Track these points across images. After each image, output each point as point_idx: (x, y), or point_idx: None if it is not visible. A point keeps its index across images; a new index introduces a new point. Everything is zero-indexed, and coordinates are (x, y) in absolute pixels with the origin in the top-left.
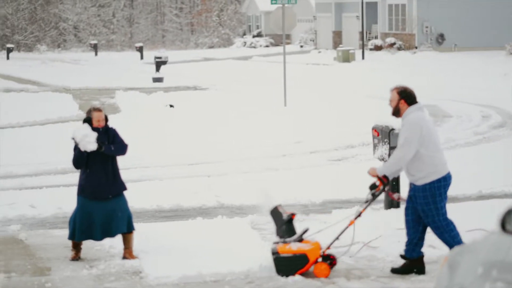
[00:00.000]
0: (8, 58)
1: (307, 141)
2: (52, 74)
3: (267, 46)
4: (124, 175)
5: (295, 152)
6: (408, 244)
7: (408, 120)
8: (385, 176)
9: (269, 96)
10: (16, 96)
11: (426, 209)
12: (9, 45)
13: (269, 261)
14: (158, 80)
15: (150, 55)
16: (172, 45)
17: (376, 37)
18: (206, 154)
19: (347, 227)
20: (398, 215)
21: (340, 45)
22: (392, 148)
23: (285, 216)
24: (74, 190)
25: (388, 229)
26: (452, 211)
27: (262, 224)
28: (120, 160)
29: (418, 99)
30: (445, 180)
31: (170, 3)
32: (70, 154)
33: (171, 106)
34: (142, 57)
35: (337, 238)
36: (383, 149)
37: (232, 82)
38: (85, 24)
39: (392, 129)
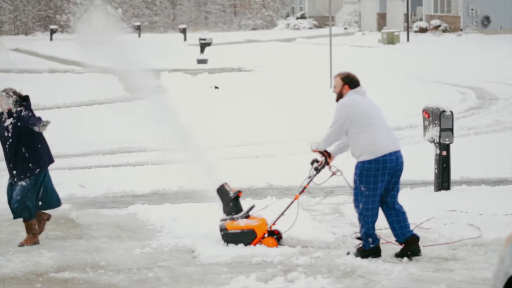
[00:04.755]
0: (51, 39)
1: None
2: (96, 55)
3: (310, 28)
4: (170, 155)
5: None
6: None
7: (339, 103)
8: (326, 151)
9: (314, 78)
10: (62, 77)
11: (354, 185)
12: (52, 26)
13: (322, 241)
14: (202, 61)
15: (193, 36)
16: (215, 26)
17: (421, 19)
18: (253, 135)
19: (292, 202)
20: (449, 197)
21: (385, 27)
22: (442, 130)
23: (231, 194)
24: (123, 170)
25: (440, 210)
26: (498, 194)
27: (312, 205)
28: (166, 140)
29: (361, 83)
30: (370, 163)
31: None
32: (117, 134)
33: (216, 87)
34: (185, 39)
35: (282, 214)
36: (434, 131)
37: (276, 64)
38: (128, 5)
39: (443, 111)
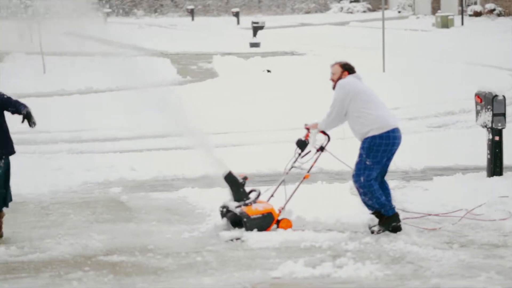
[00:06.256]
0: (105, 22)
1: (407, 108)
2: (149, 38)
3: (364, 11)
4: (222, 139)
5: None
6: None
7: (339, 83)
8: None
9: (367, 62)
10: (114, 61)
11: (358, 159)
12: (106, 10)
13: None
14: (255, 45)
15: (246, 20)
16: (268, 10)
17: (475, 3)
18: (305, 119)
19: (302, 181)
20: (501, 183)
21: (439, 11)
22: (495, 115)
23: (240, 180)
24: (174, 153)
25: (492, 196)
26: None
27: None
28: (218, 124)
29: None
30: (381, 139)
31: None
32: (168, 117)
33: (268, 71)
34: (238, 22)
35: (291, 196)
36: (486, 115)
37: (329, 47)
38: None
39: (496, 96)
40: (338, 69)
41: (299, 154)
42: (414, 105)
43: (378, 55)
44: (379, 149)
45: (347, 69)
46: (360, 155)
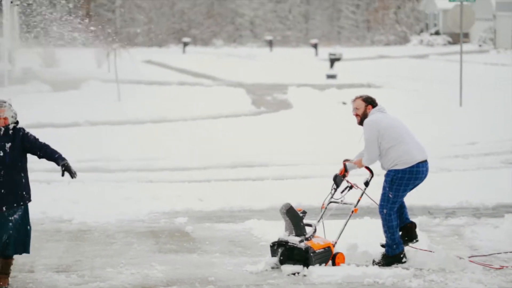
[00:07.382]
0: (184, 52)
1: (482, 143)
2: (226, 68)
3: (444, 44)
4: (292, 171)
5: (469, 153)
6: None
7: (365, 123)
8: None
9: (444, 95)
10: (190, 90)
11: (382, 192)
12: (185, 39)
13: (438, 264)
14: (331, 76)
15: (324, 51)
16: (348, 42)
17: None
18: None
19: (350, 216)
20: None
21: None
22: None
23: (301, 214)
24: (243, 184)
25: None
26: None
27: (432, 226)
28: (289, 155)
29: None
30: (404, 173)
31: (347, 0)
32: (241, 148)
33: (344, 103)
34: (316, 54)
35: (342, 231)
36: None
37: (407, 80)
38: (261, 19)
39: None
40: (361, 104)
41: (335, 189)
42: (490, 141)
43: (455, 89)
44: (401, 183)
45: (370, 102)
46: (384, 188)
